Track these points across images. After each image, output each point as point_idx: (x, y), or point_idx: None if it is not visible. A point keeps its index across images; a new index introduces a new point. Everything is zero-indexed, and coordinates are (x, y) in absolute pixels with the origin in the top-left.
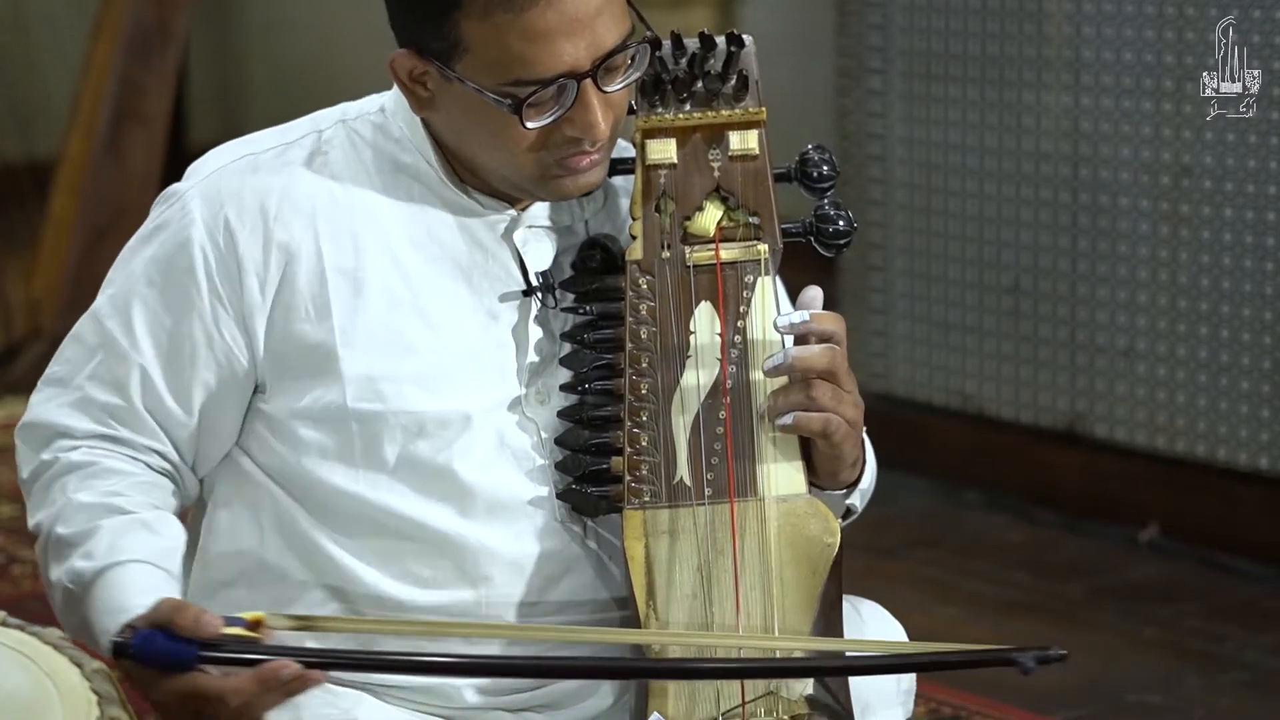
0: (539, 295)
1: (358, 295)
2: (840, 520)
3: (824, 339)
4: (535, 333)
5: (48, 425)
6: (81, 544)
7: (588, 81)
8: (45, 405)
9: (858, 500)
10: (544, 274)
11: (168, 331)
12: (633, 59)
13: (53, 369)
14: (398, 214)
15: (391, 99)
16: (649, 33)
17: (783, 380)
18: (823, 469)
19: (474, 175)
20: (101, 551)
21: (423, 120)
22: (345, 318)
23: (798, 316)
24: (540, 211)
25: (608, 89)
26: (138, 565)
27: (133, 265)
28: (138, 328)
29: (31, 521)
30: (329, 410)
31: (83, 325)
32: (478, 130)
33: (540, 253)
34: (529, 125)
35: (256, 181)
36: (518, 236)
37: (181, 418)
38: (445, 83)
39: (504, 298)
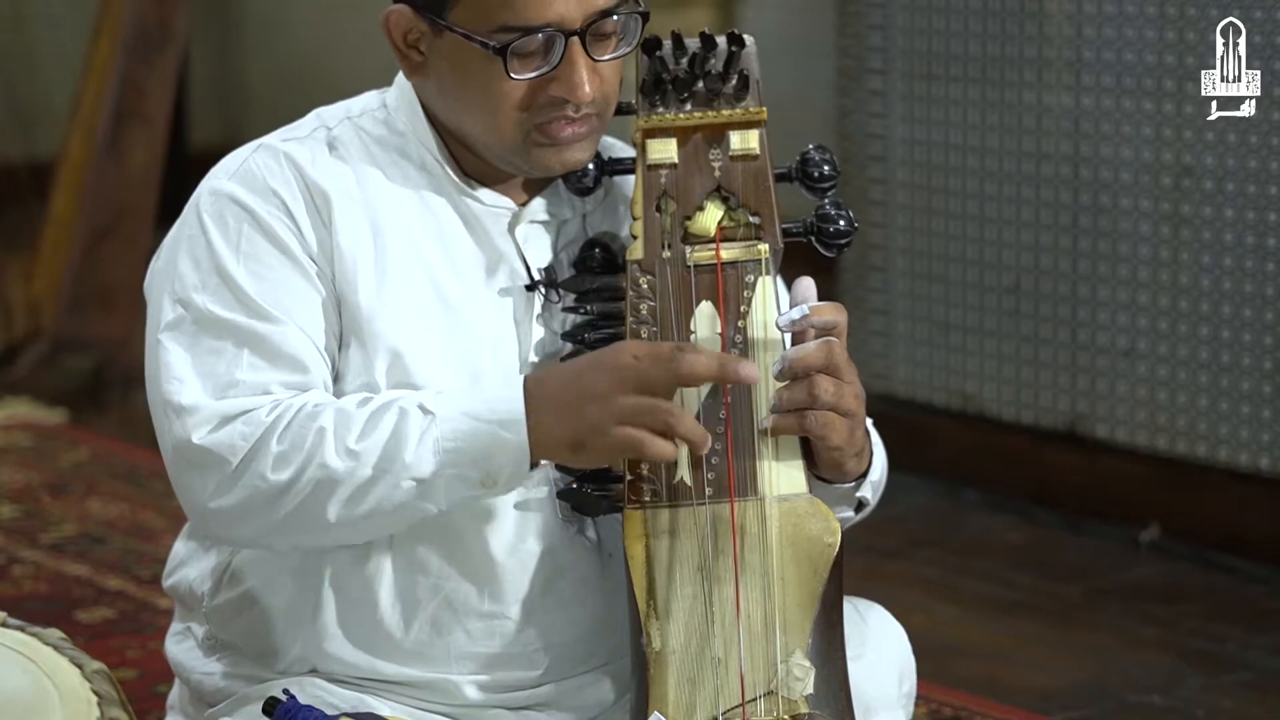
0: (541, 290)
1: (381, 275)
2: (853, 513)
3: (825, 331)
4: (537, 330)
5: (226, 416)
6: (396, 394)
7: (575, 41)
8: (210, 415)
9: (869, 492)
10: (545, 270)
11: (274, 286)
12: (624, 31)
13: (185, 396)
14: (407, 210)
15: (393, 95)
16: (640, 5)
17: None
18: (826, 462)
19: (475, 162)
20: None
21: (422, 107)
22: (370, 294)
23: (797, 313)
24: (540, 207)
25: (597, 57)
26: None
27: (214, 259)
28: (255, 299)
29: (291, 455)
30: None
31: (187, 334)
32: (465, 90)
33: (540, 248)
34: (514, 76)
35: (286, 161)
36: (519, 232)
37: (328, 346)
38: (436, 39)
39: (505, 293)
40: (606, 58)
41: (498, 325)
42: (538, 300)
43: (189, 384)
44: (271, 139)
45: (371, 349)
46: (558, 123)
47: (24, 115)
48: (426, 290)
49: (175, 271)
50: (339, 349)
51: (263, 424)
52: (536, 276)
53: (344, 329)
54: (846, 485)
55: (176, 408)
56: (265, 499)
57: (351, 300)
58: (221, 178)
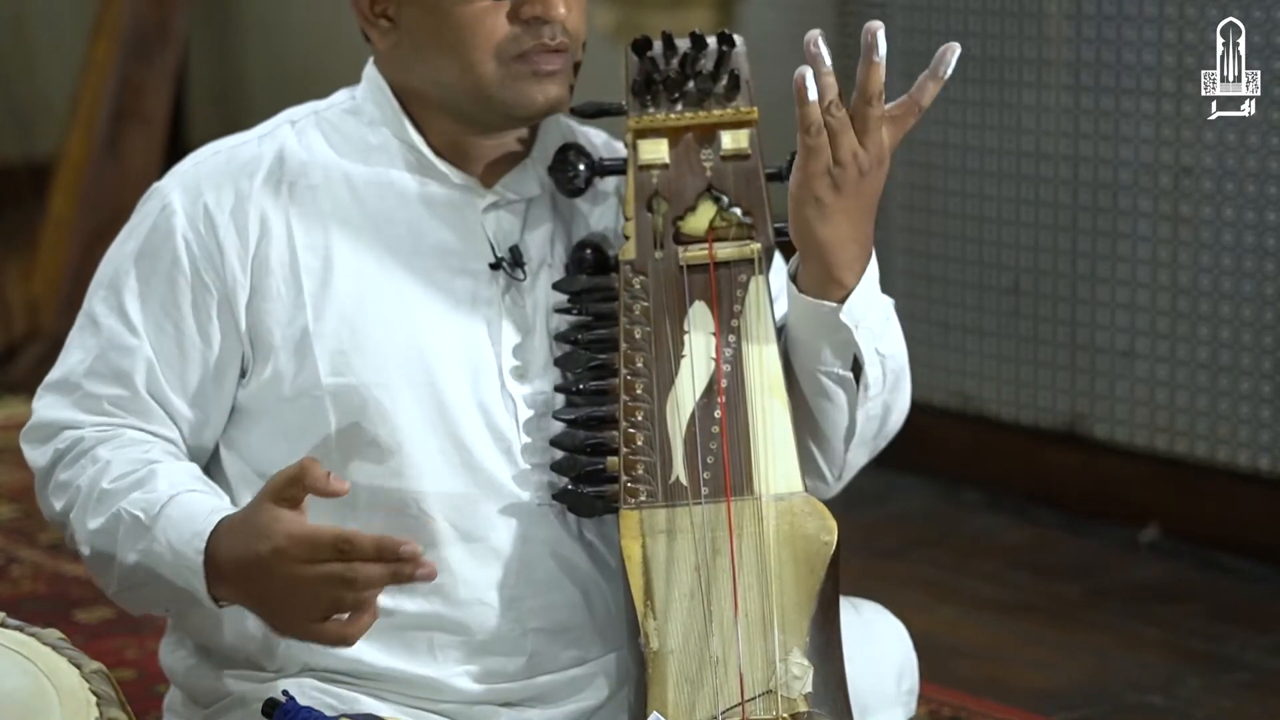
0: (506, 268)
1: (328, 271)
2: (849, 375)
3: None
4: (505, 310)
5: (52, 424)
6: (140, 485)
7: None
8: (49, 409)
9: (869, 341)
10: (511, 249)
11: (161, 322)
12: None
13: (53, 375)
14: (369, 194)
15: (360, 87)
16: None
17: (782, 376)
18: (813, 257)
19: (444, 140)
20: (163, 487)
21: (391, 89)
22: (316, 294)
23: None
24: (506, 184)
25: None
26: (194, 494)
27: (121, 263)
28: (135, 320)
29: (62, 494)
30: (304, 390)
31: (80, 328)
32: (441, 33)
33: (509, 226)
34: None
35: (233, 168)
36: (484, 211)
37: (183, 409)
38: None
39: (470, 274)
40: None
41: (460, 308)
42: (501, 280)
43: (49, 384)
44: (231, 140)
45: (310, 349)
46: (536, 52)
47: (23, 115)
48: (382, 279)
49: (113, 251)
50: (251, 362)
51: (57, 450)
52: (503, 255)
53: (254, 344)
54: (828, 305)
55: (42, 386)
56: (56, 524)
57: (282, 308)
58: (169, 177)
